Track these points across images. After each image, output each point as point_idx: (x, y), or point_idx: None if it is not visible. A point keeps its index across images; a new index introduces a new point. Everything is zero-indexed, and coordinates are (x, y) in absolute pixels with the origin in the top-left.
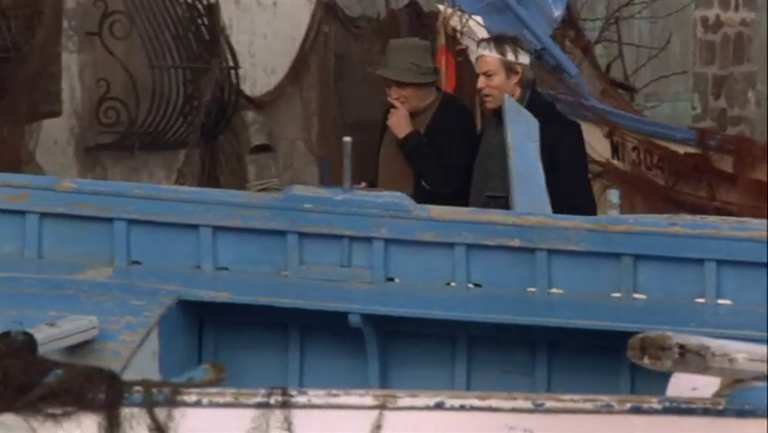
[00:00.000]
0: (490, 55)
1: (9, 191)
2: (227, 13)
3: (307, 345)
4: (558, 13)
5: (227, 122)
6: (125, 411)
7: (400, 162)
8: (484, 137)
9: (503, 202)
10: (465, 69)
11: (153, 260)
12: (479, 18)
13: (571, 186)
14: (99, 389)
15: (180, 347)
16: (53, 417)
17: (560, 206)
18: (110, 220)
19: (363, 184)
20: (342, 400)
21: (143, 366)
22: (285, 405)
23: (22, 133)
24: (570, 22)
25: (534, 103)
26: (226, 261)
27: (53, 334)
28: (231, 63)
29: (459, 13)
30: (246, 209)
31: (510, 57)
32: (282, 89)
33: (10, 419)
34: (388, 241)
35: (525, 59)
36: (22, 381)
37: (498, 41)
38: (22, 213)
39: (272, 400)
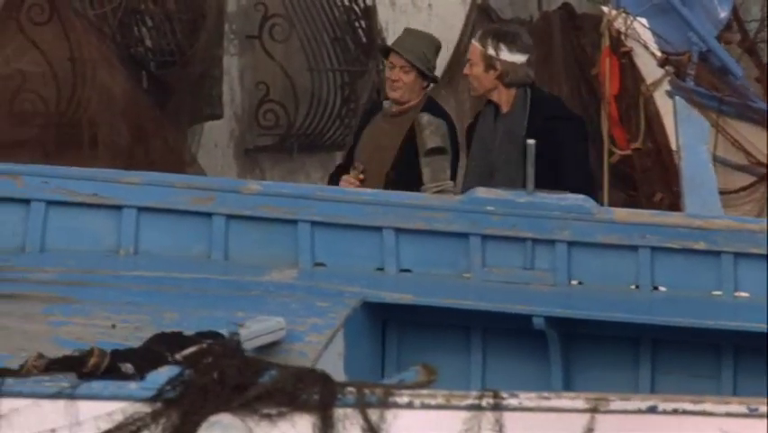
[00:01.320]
0: (474, 44)
1: (196, 193)
2: (383, 15)
3: (490, 347)
4: (724, 14)
5: None
6: (338, 412)
7: (376, 157)
8: (479, 128)
9: None
10: (629, 72)
11: (337, 261)
12: (643, 20)
13: (574, 181)
14: (313, 389)
15: (364, 349)
16: (268, 417)
17: None
18: (294, 222)
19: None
20: (554, 402)
21: (329, 368)
22: (496, 407)
23: (185, 136)
24: (735, 23)
25: (535, 101)
26: (409, 262)
27: (244, 335)
28: None
29: (623, 14)
30: (429, 211)
31: (490, 52)
32: (436, 92)
33: (227, 418)
34: (571, 243)
35: (509, 56)
36: (237, 381)
37: (485, 32)
38: (208, 215)
39: (484, 403)
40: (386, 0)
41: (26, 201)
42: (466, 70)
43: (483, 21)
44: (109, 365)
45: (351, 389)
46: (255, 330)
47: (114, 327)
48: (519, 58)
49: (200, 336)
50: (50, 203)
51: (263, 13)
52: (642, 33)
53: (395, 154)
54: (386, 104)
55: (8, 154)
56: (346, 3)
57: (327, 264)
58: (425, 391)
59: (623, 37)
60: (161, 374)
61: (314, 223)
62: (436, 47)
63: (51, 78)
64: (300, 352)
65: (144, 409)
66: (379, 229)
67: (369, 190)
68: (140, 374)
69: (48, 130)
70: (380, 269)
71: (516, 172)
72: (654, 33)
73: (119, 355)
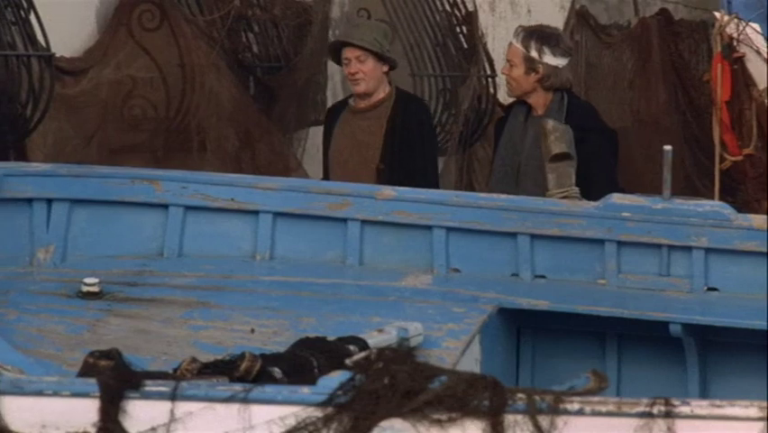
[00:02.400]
0: (515, 45)
1: (331, 199)
2: (483, 20)
3: (625, 354)
4: None
5: (483, 130)
6: (509, 418)
7: (355, 154)
8: (509, 127)
9: None
10: (740, 77)
11: (472, 267)
12: (756, 25)
13: (603, 193)
14: (483, 395)
15: (500, 355)
16: (439, 422)
17: None
18: (429, 228)
19: None
20: (727, 411)
21: None
22: (668, 415)
23: (290, 141)
24: None
25: (571, 108)
26: (544, 269)
27: (383, 340)
28: (488, 71)
29: (735, 20)
30: (564, 217)
31: (533, 54)
32: None
33: (398, 423)
34: (708, 250)
35: (553, 60)
36: (409, 386)
37: (528, 34)
38: (343, 220)
39: (655, 410)
40: (485, 6)
41: (164, 206)
42: (504, 70)
43: (581, 26)
44: (260, 370)
45: (521, 395)
46: (394, 336)
47: (252, 331)
48: (561, 61)
49: (342, 342)
50: (188, 208)
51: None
52: (754, 39)
53: (380, 150)
54: (350, 100)
55: (119, 159)
56: (447, 8)
57: (462, 270)
58: (595, 398)
59: (734, 43)
60: (333, 379)
61: (449, 228)
62: (384, 31)
63: (161, 84)
64: (438, 358)
65: (316, 413)
66: (513, 235)
67: (504, 196)
68: (288, 379)
69: (157, 135)
70: (515, 275)
71: (545, 177)
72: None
73: (268, 360)
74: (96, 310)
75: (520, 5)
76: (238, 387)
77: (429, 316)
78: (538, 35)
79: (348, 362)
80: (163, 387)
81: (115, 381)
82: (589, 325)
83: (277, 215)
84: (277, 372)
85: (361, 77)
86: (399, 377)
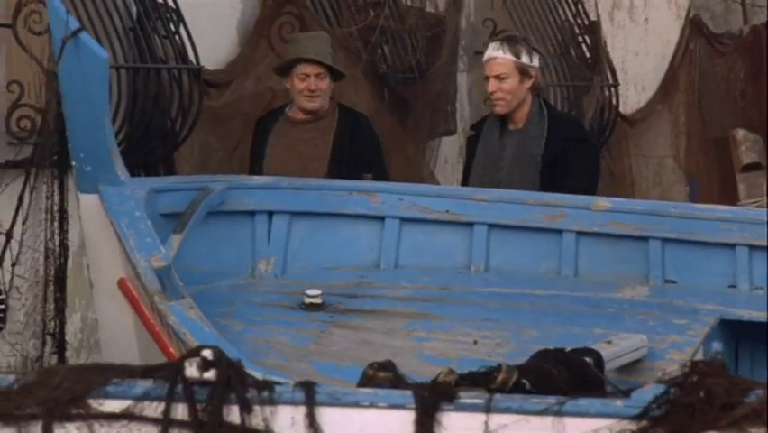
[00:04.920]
0: (504, 57)
1: (548, 210)
2: (603, 29)
3: None
4: None
5: (605, 139)
6: None
7: (298, 166)
8: (485, 144)
9: None
10: None
11: (688, 278)
12: None
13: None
14: None
15: None
16: None
17: None
18: (645, 239)
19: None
20: None
21: None
22: None
23: (423, 151)
24: None
25: (554, 120)
26: (762, 280)
27: (613, 352)
28: (611, 81)
29: None
30: None
31: (525, 59)
32: (652, 107)
33: None
34: None
35: (537, 62)
36: (725, 400)
37: (512, 42)
38: (558, 232)
39: None
40: (605, 15)
41: (381, 218)
42: (492, 88)
43: (695, 35)
44: (516, 382)
45: None
46: (623, 348)
47: (475, 343)
48: (538, 62)
49: (575, 353)
50: (404, 220)
51: (492, 29)
52: None
53: (326, 162)
54: (287, 110)
55: None
56: (571, 18)
57: (678, 281)
58: None
59: None
60: (647, 392)
61: (665, 239)
62: (330, 42)
63: None
64: (663, 371)
65: (630, 426)
66: (731, 246)
67: (722, 207)
68: (535, 390)
69: None
70: (733, 286)
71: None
72: None
73: (520, 372)
74: (319, 322)
75: (638, 14)
76: (552, 399)
77: (651, 327)
78: (522, 41)
79: (661, 375)
80: (478, 399)
81: (430, 393)
82: None
83: (492, 226)
84: (527, 384)
85: (318, 94)
86: (715, 390)
